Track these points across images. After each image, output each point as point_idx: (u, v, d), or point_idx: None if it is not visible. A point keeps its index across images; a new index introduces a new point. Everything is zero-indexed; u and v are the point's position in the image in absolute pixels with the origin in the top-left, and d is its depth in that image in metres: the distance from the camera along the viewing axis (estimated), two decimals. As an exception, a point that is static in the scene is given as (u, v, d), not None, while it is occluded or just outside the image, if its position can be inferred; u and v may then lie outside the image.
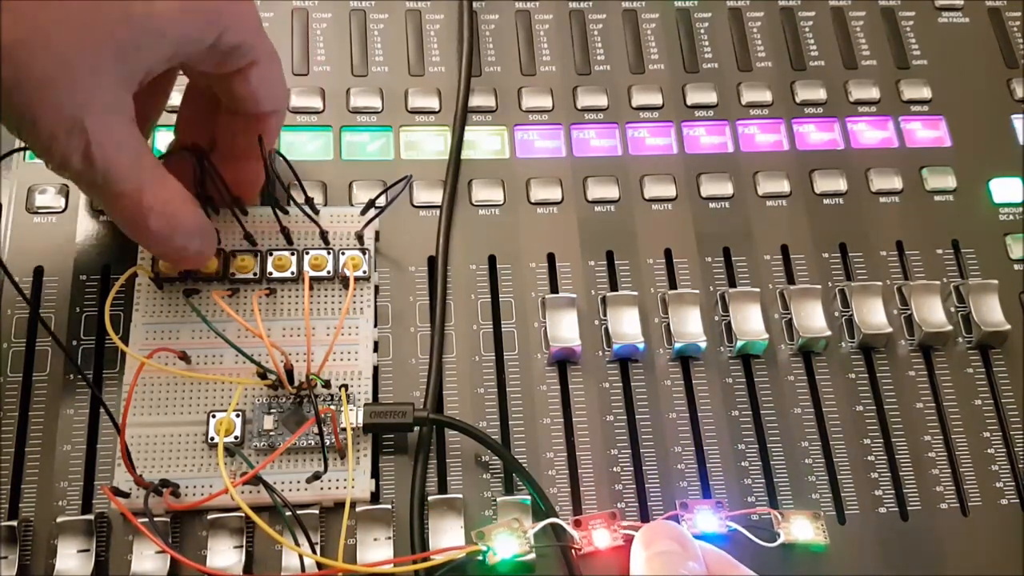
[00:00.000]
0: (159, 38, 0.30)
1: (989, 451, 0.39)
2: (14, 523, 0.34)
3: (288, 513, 0.33)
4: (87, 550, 0.34)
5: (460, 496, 0.36)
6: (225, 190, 0.37)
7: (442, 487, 0.37)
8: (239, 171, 0.37)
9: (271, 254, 0.38)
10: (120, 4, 0.29)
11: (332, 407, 0.35)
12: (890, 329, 0.40)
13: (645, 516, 0.37)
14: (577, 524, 0.36)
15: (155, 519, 0.33)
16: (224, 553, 0.34)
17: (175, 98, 0.39)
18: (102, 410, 0.36)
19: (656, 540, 0.33)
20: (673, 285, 0.41)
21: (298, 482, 0.35)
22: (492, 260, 0.41)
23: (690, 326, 0.40)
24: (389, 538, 0.35)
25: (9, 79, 0.27)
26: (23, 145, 0.41)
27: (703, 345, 0.39)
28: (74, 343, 0.38)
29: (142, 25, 0.29)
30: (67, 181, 0.40)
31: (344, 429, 0.35)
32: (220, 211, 0.39)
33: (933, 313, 0.41)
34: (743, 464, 0.38)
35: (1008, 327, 0.41)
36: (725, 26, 0.48)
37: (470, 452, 0.37)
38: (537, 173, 0.43)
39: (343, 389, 0.36)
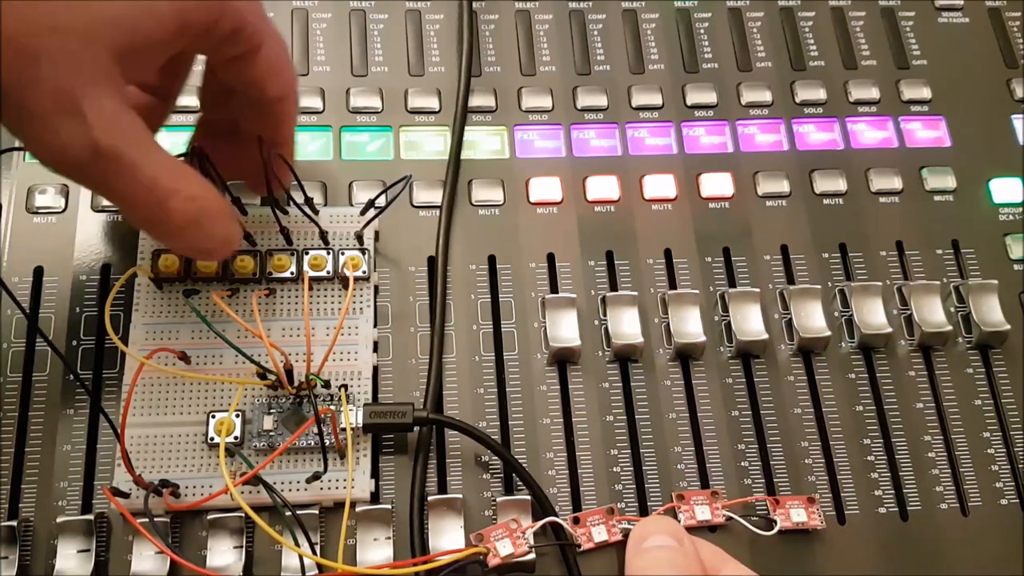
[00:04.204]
0: (153, 20, 0.29)
1: (989, 451, 0.39)
2: (14, 523, 0.34)
3: (288, 513, 0.33)
4: (87, 550, 0.34)
5: (460, 496, 0.36)
6: (227, 191, 0.37)
7: (442, 487, 0.37)
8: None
9: (271, 254, 0.38)
10: None
11: (332, 407, 0.35)
12: (890, 329, 0.40)
13: (645, 515, 0.37)
14: (576, 521, 0.36)
15: (155, 519, 0.33)
16: (224, 553, 0.34)
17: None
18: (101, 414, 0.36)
19: (651, 535, 0.33)
20: (673, 285, 0.41)
21: (298, 482, 0.35)
22: (492, 260, 0.41)
23: (690, 326, 0.40)
24: (389, 538, 0.35)
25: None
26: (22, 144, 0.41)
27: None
28: (74, 343, 0.38)
29: (133, 4, 0.28)
30: (67, 181, 0.40)
31: (344, 429, 0.35)
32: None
33: (933, 313, 0.41)
34: (743, 464, 0.38)
35: (1008, 327, 0.40)
36: (725, 26, 0.48)
37: (470, 452, 0.37)
38: (537, 173, 0.43)
39: (343, 389, 0.36)
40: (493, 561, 0.34)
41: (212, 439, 0.35)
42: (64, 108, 0.27)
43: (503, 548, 0.34)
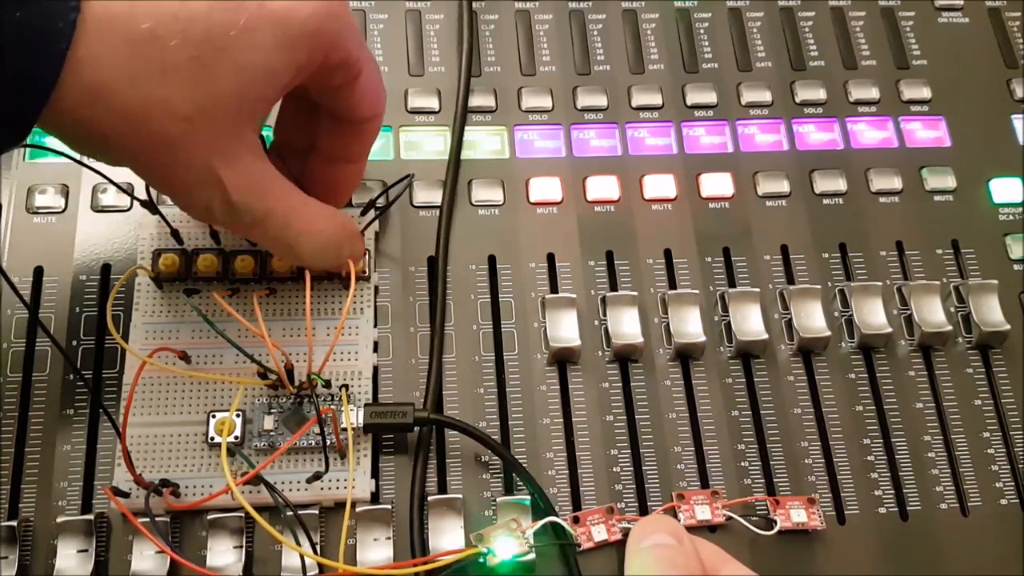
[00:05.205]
0: (271, 78, 0.30)
1: (989, 451, 0.39)
2: (14, 523, 0.34)
3: (289, 513, 0.33)
4: (87, 550, 0.34)
5: (460, 496, 0.36)
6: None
7: (442, 487, 0.37)
8: (336, 173, 0.38)
9: (272, 254, 0.38)
10: (229, 56, 0.29)
11: (332, 407, 0.35)
12: (890, 329, 0.40)
13: (645, 515, 0.37)
14: (576, 521, 0.36)
15: (155, 519, 0.33)
16: (224, 553, 0.34)
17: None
18: (102, 410, 0.36)
19: (651, 533, 0.33)
20: (673, 285, 0.41)
21: (298, 482, 0.35)
22: (492, 260, 0.41)
23: (690, 326, 0.40)
24: (389, 538, 0.35)
25: (138, 144, 0.28)
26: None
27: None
28: (74, 343, 0.38)
29: (253, 71, 0.29)
30: (67, 181, 0.41)
31: (344, 429, 0.35)
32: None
33: (933, 313, 0.41)
34: (743, 464, 0.38)
35: (1008, 327, 0.40)
36: (725, 26, 0.48)
37: (470, 452, 0.37)
38: (537, 173, 0.43)
39: (343, 389, 0.36)
40: (494, 561, 0.34)
41: (213, 439, 0.35)
42: (202, 179, 0.30)
43: (504, 547, 0.34)
